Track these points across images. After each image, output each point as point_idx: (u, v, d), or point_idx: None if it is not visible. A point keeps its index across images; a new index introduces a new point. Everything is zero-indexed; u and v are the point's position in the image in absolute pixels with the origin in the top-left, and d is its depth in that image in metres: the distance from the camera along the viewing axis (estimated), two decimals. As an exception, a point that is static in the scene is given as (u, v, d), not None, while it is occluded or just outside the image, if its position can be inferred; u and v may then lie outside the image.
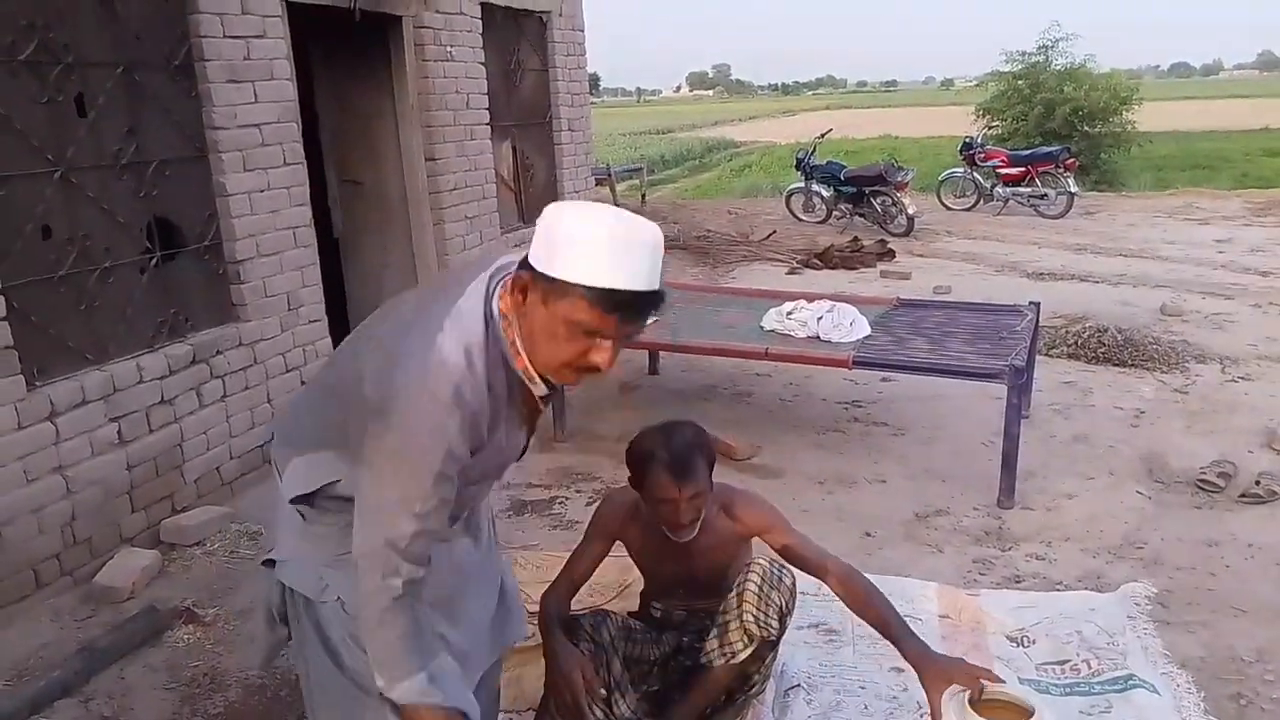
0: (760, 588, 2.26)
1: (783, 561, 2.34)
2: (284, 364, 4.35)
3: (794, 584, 2.32)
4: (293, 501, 1.71)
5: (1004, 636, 2.86)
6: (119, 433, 3.51)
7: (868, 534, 3.62)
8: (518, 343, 1.51)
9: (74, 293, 3.42)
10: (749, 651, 2.27)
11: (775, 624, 2.26)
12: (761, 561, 2.31)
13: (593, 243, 1.38)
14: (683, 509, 2.23)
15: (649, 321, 1.54)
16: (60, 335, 3.37)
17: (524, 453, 1.79)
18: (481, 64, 5.90)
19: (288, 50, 4.30)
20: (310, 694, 1.78)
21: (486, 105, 6.06)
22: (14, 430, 3.13)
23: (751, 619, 2.24)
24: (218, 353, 3.98)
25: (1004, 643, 2.83)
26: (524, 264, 1.46)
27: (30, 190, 3.26)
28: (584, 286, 1.37)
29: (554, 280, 1.39)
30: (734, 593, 2.29)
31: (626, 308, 1.39)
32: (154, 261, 3.76)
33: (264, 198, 4.20)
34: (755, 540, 2.44)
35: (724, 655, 2.27)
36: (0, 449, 3.08)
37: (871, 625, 2.23)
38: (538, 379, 1.54)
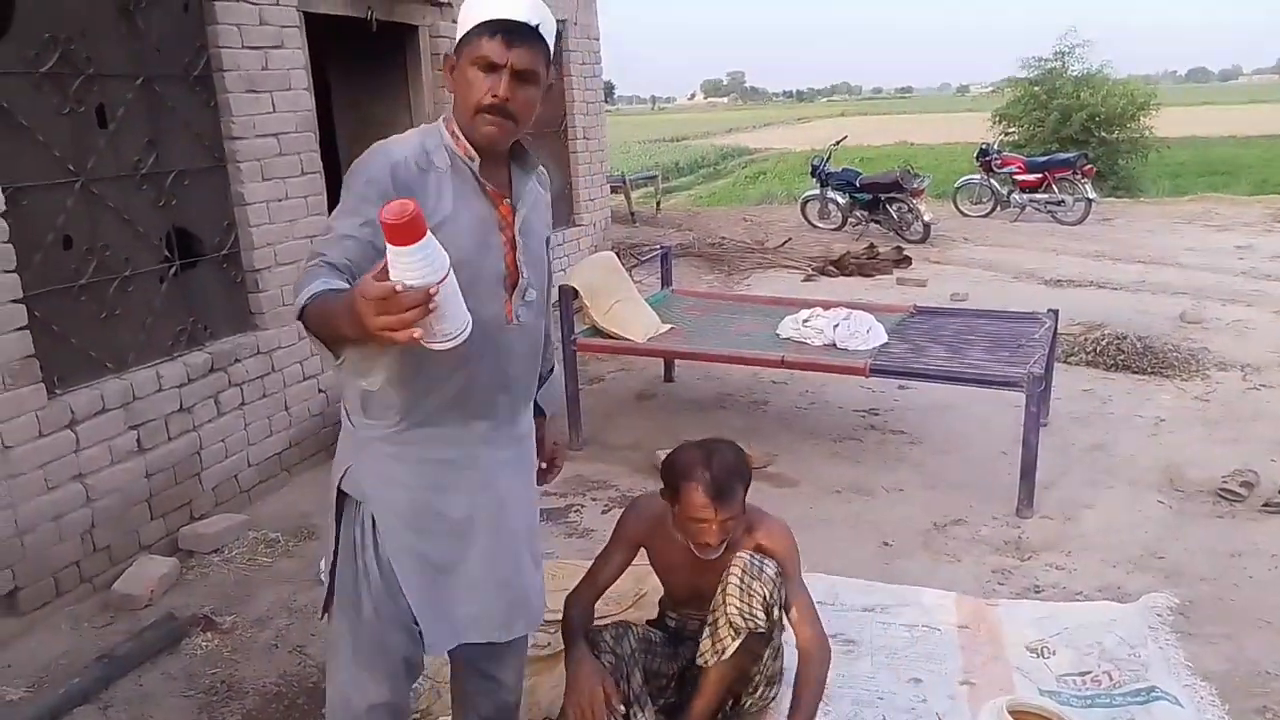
0: (741, 579, 2.26)
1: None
2: (301, 372, 4.36)
3: (777, 573, 2.30)
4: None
5: (1024, 647, 2.84)
6: (138, 441, 3.53)
7: (885, 543, 3.60)
8: (454, 124, 1.75)
9: (94, 302, 3.45)
10: (737, 644, 2.26)
11: (761, 615, 2.24)
12: (743, 555, 2.30)
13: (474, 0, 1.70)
14: (714, 531, 2.24)
15: (538, 63, 1.68)
16: (80, 344, 3.40)
17: (516, 294, 1.82)
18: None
19: (305, 61, 4.33)
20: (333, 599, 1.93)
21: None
22: (35, 438, 3.15)
23: (735, 610, 2.24)
24: (236, 361, 4.00)
25: (1024, 654, 2.81)
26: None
27: (51, 200, 3.29)
28: (472, 26, 1.67)
29: (459, 41, 1.70)
30: (719, 589, 2.29)
31: (508, 31, 1.64)
32: (173, 271, 3.79)
33: (282, 207, 4.22)
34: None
35: (715, 653, 2.28)
36: (21, 457, 3.11)
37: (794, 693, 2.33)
38: (464, 141, 1.73)
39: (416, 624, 1.86)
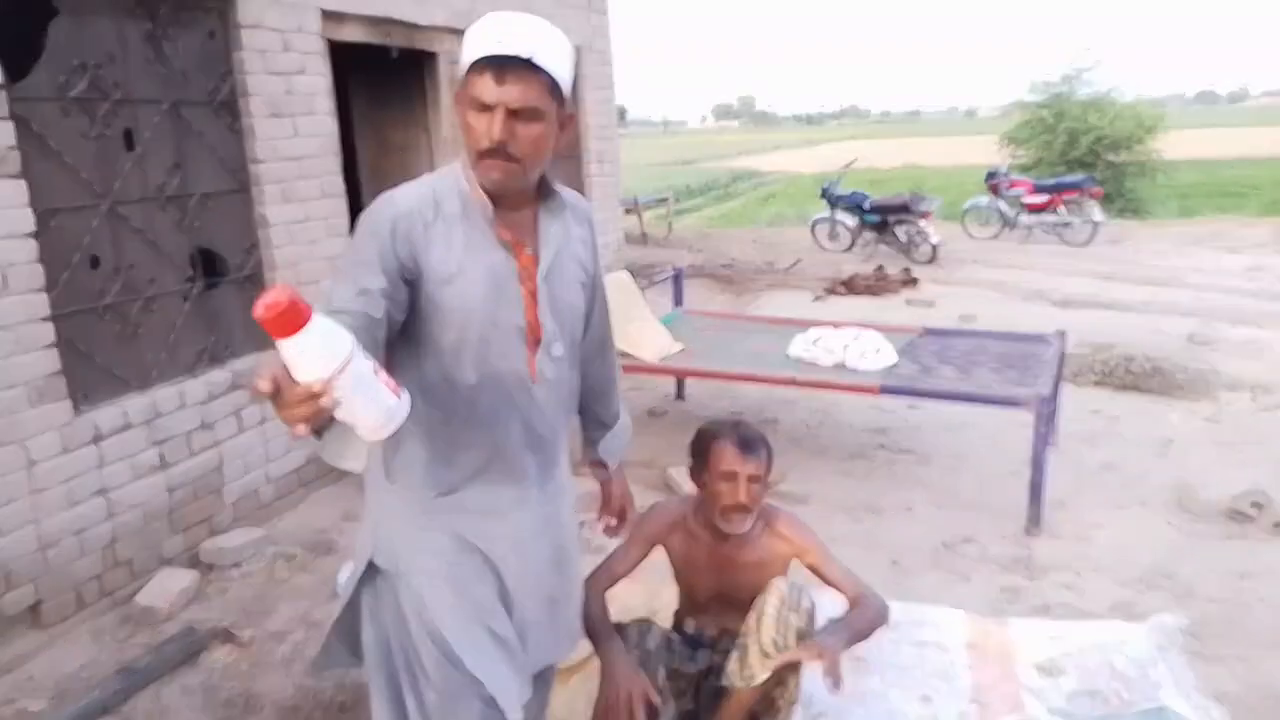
0: (779, 610, 2.27)
1: (813, 582, 2.38)
2: (319, 391, 4.42)
3: (813, 608, 2.34)
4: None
5: (1033, 666, 2.85)
6: (161, 457, 3.59)
7: (895, 562, 3.62)
8: (467, 169, 1.65)
9: (119, 321, 3.52)
10: (766, 674, 2.28)
11: (793, 647, 2.27)
12: (780, 583, 2.33)
13: (470, 35, 1.59)
14: (742, 487, 2.27)
15: (534, 97, 1.56)
16: (105, 362, 3.46)
17: (539, 347, 1.71)
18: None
19: (328, 86, 4.42)
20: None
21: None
22: (59, 454, 3.21)
23: (769, 640, 2.25)
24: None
25: (1033, 673, 2.82)
26: None
27: (79, 222, 3.36)
28: (470, 66, 1.56)
29: (461, 79, 1.61)
30: (753, 613, 2.31)
31: (498, 67, 1.53)
32: (196, 290, 3.86)
33: (303, 229, 4.29)
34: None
35: (744, 679, 2.28)
36: (46, 472, 3.17)
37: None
38: (476, 184, 1.63)
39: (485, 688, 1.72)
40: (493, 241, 1.65)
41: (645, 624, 2.41)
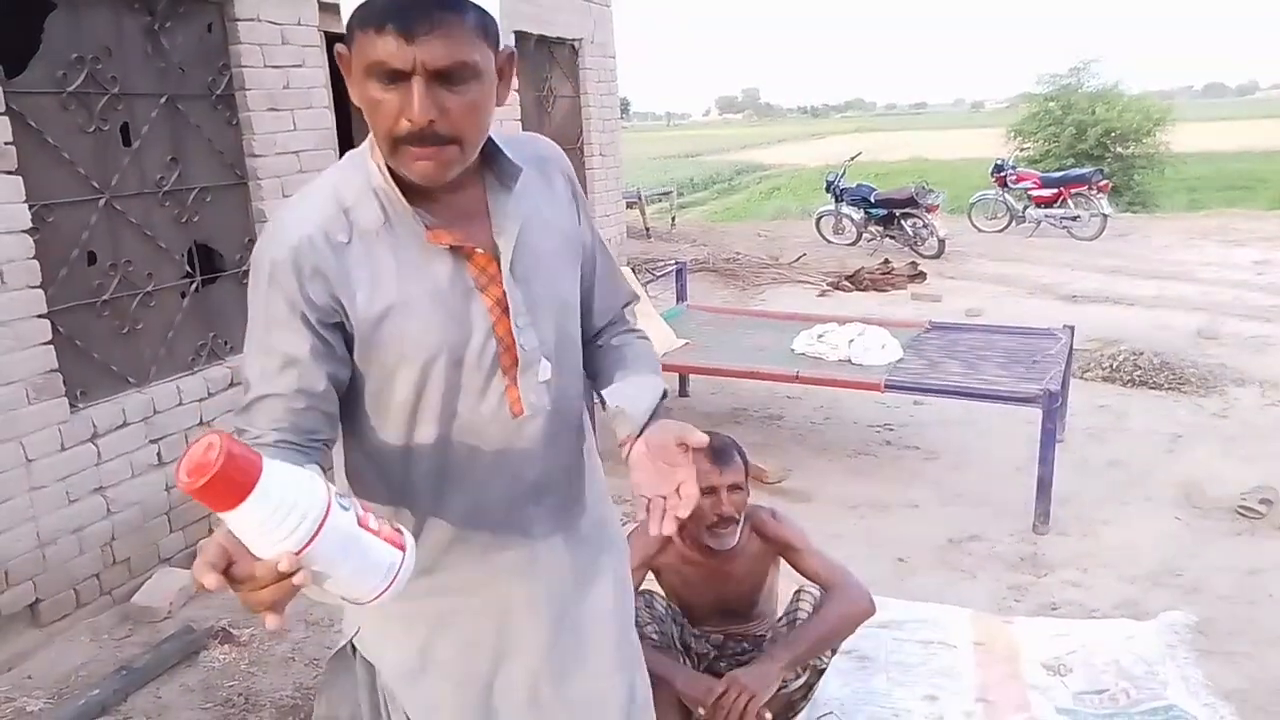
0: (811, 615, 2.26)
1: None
2: (319, 387, 4.39)
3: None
4: None
5: (1040, 665, 2.82)
6: (159, 454, 3.57)
7: (900, 559, 3.59)
8: (378, 157, 1.21)
9: (116, 317, 3.50)
10: (801, 680, 2.25)
11: (827, 652, 2.26)
12: (812, 590, 2.31)
13: None
14: (724, 498, 2.21)
15: (461, 51, 1.10)
16: (103, 359, 3.44)
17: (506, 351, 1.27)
18: (515, 90, 5.97)
19: (326, 79, 4.39)
20: None
21: (519, 130, 6.14)
22: (57, 452, 3.19)
23: None
24: (255, 376, 4.03)
25: (1040, 671, 2.79)
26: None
27: (76, 217, 3.34)
28: (353, 15, 1.10)
29: (343, 38, 1.15)
30: (783, 622, 2.28)
31: (399, 18, 1.06)
32: (194, 286, 3.83)
33: (301, 223, 4.26)
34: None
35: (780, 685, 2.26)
36: (43, 470, 3.15)
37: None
38: (390, 179, 1.20)
39: None
40: (430, 251, 1.21)
41: (648, 594, 2.37)
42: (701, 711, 2.08)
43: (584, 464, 1.44)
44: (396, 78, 1.09)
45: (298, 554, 0.87)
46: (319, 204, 1.21)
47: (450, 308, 1.22)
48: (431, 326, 1.21)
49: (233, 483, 0.83)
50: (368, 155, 1.23)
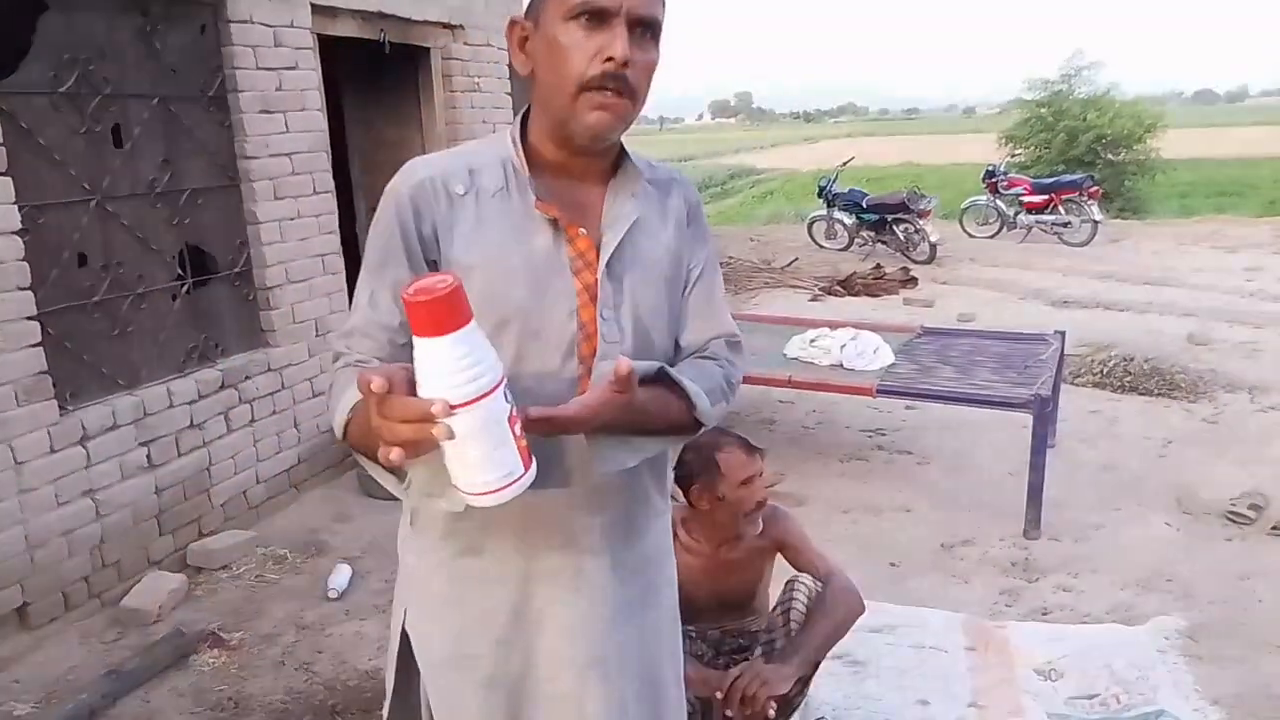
0: (807, 606, 2.28)
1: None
2: (311, 389, 4.38)
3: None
4: None
5: (1032, 670, 2.83)
6: (149, 457, 3.55)
7: (893, 564, 3.59)
8: (521, 128, 1.30)
9: (107, 319, 3.48)
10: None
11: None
12: (805, 581, 2.31)
13: None
14: (758, 485, 2.24)
15: (658, 8, 1.20)
16: (93, 360, 3.42)
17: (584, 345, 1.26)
18: (508, 94, 5.97)
19: (319, 81, 4.37)
20: None
21: (513, 134, 6.13)
22: (46, 454, 3.17)
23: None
24: (247, 378, 4.02)
25: (1032, 676, 2.80)
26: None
27: (67, 219, 3.32)
28: None
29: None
30: (778, 611, 2.29)
31: None
32: (185, 288, 3.82)
33: (294, 225, 4.25)
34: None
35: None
36: (32, 473, 3.13)
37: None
38: (519, 150, 1.27)
39: None
40: (536, 220, 1.25)
41: None
42: (719, 695, 2.08)
43: (650, 491, 1.40)
44: (602, 20, 1.15)
45: (454, 407, 0.91)
46: (449, 158, 1.29)
47: (540, 277, 1.24)
48: (515, 286, 1.22)
49: (450, 312, 0.91)
50: (506, 134, 1.30)
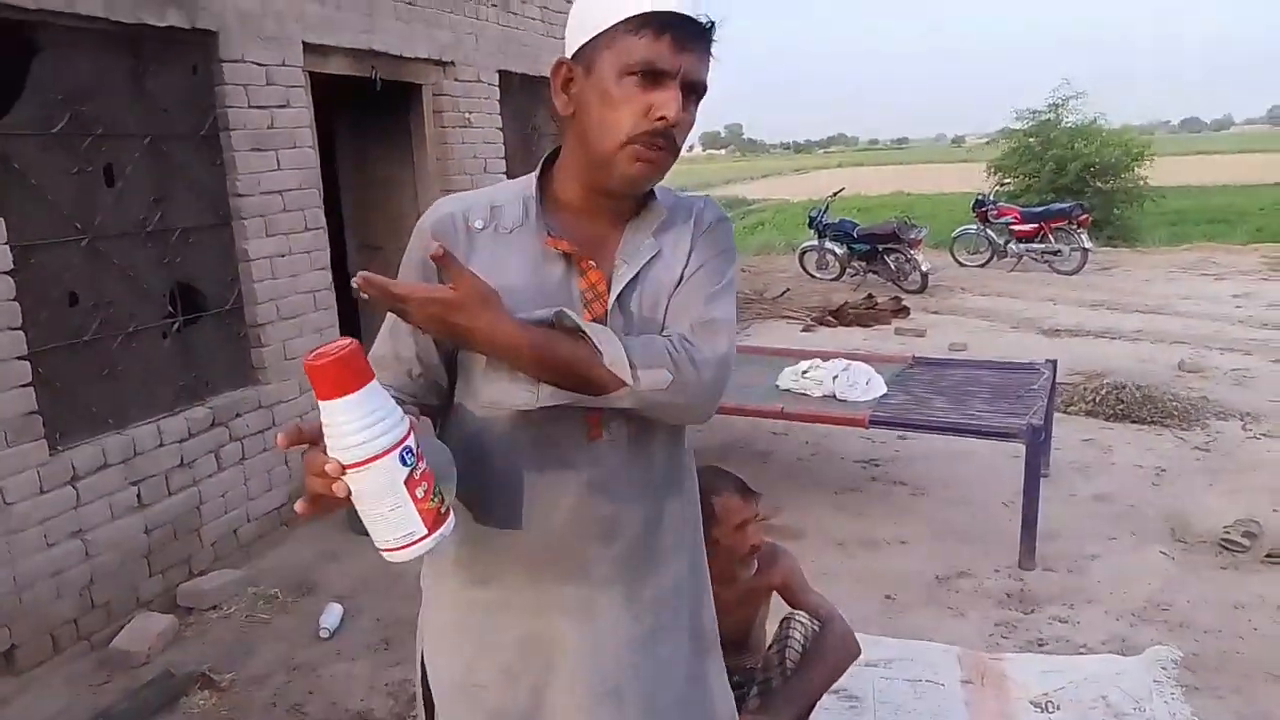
0: (803, 646, 2.27)
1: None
2: (302, 426, 4.36)
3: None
4: None
5: (1028, 702, 2.81)
6: (138, 496, 3.53)
7: (888, 597, 3.57)
8: (547, 169, 1.34)
9: (97, 358, 3.47)
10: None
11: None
12: (802, 620, 2.30)
13: None
14: (753, 530, 2.24)
15: (707, 72, 1.24)
16: (83, 400, 3.41)
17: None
18: (499, 129, 6.01)
19: (310, 119, 4.40)
20: None
21: (504, 170, 6.16)
22: (36, 495, 3.15)
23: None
24: (237, 415, 4.01)
25: (1028, 708, 2.78)
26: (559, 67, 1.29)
27: (58, 258, 3.33)
28: (621, 22, 1.19)
29: (592, 39, 1.22)
30: (774, 650, 2.27)
31: (677, 28, 1.19)
32: (176, 326, 3.82)
33: (285, 262, 4.26)
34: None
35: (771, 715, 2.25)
36: (22, 514, 3.11)
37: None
38: (536, 191, 1.31)
39: None
40: (549, 254, 1.27)
41: None
42: None
43: (664, 520, 1.37)
44: (657, 79, 1.19)
45: (344, 468, 0.96)
46: (475, 195, 1.34)
47: (551, 308, 1.23)
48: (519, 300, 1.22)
49: (344, 376, 0.95)
50: (533, 175, 1.33)
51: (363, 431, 0.96)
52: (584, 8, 1.24)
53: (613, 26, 1.20)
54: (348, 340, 0.98)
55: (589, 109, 1.23)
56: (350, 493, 0.97)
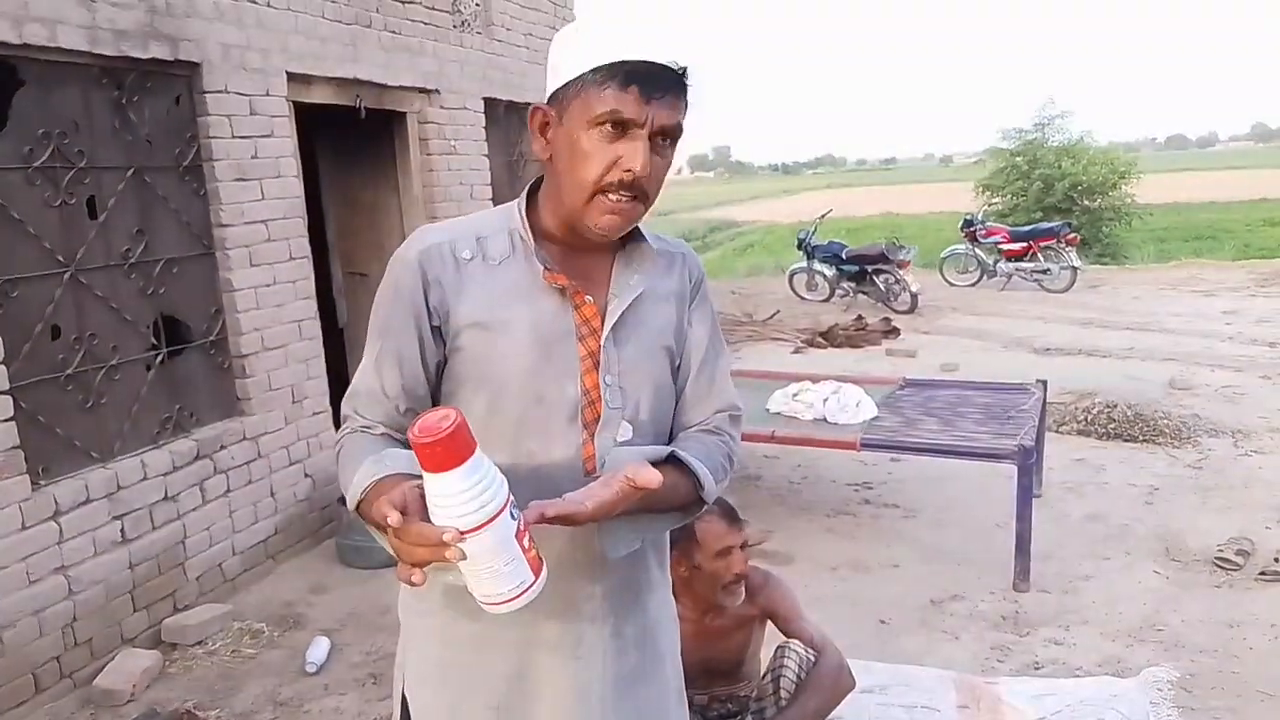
0: (798, 675, 2.26)
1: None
2: (288, 457, 4.33)
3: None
4: None
5: (1025, 727, 2.78)
6: (122, 531, 3.49)
7: (882, 621, 3.54)
8: (528, 203, 1.34)
9: (81, 391, 3.44)
10: None
11: None
12: (797, 648, 2.28)
13: (595, 37, 1.21)
14: (737, 557, 2.24)
15: (681, 116, 1.23)
16: (66, 434, 3.38)
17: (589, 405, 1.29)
18: (485, 156, 6.01)
19: (294, 148, 4.40)
20: None
21: (490, 196, 6.16)
22: (18, 531, 3.11)
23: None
24: (222, 447, 3.97)
25: (1025, 734, 2.75)
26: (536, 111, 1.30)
27: (41, 291, 3.30)
28: (589, 71, 1.19)
29: (565, 86, 1.22)
30: (768, 678, 2.26)
31: (645, 79, 1.18)
32: (160, 358, 3.79)
33: (269, 292, 4.24)
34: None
35: None
36: (3, 550, 3.06)
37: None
38: (528, 229, 1.30)
39: None
40: (543, 289, 1.27)
41: None
42: None
43: (650, 560, 1.41)
44: (625, 130, 1.19)
45: (464, 533, 0.97)
46: (457, 226, 1.33)
47: (545, 342, 1.27)
48: (521, 350, 1.26)
49: (454, 449, 0.95)
50: (514, 206, 1.34)
51: (479, 496, 0.98)
52: (558, 55, 1.25)
53: (581, 76, 1.20)
54: (447, 411, 0.98)
55: (561, 157, 1.24)
56: (463, 557, 0.98)
